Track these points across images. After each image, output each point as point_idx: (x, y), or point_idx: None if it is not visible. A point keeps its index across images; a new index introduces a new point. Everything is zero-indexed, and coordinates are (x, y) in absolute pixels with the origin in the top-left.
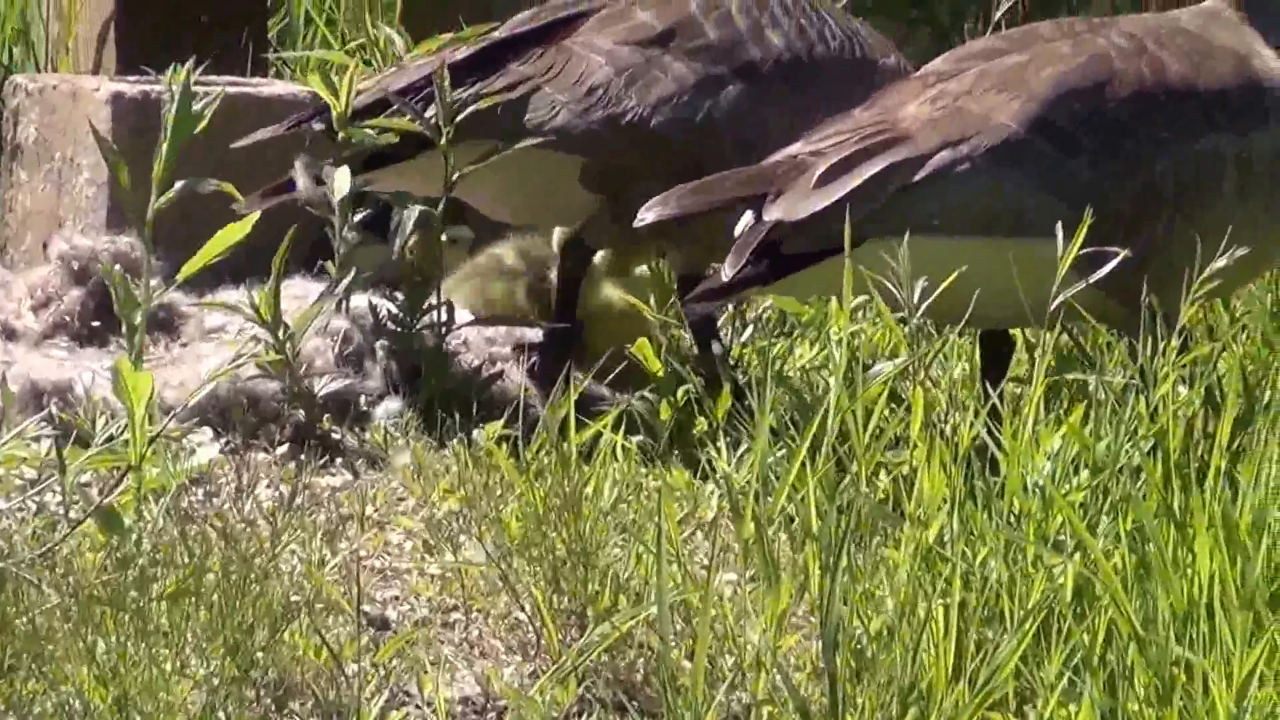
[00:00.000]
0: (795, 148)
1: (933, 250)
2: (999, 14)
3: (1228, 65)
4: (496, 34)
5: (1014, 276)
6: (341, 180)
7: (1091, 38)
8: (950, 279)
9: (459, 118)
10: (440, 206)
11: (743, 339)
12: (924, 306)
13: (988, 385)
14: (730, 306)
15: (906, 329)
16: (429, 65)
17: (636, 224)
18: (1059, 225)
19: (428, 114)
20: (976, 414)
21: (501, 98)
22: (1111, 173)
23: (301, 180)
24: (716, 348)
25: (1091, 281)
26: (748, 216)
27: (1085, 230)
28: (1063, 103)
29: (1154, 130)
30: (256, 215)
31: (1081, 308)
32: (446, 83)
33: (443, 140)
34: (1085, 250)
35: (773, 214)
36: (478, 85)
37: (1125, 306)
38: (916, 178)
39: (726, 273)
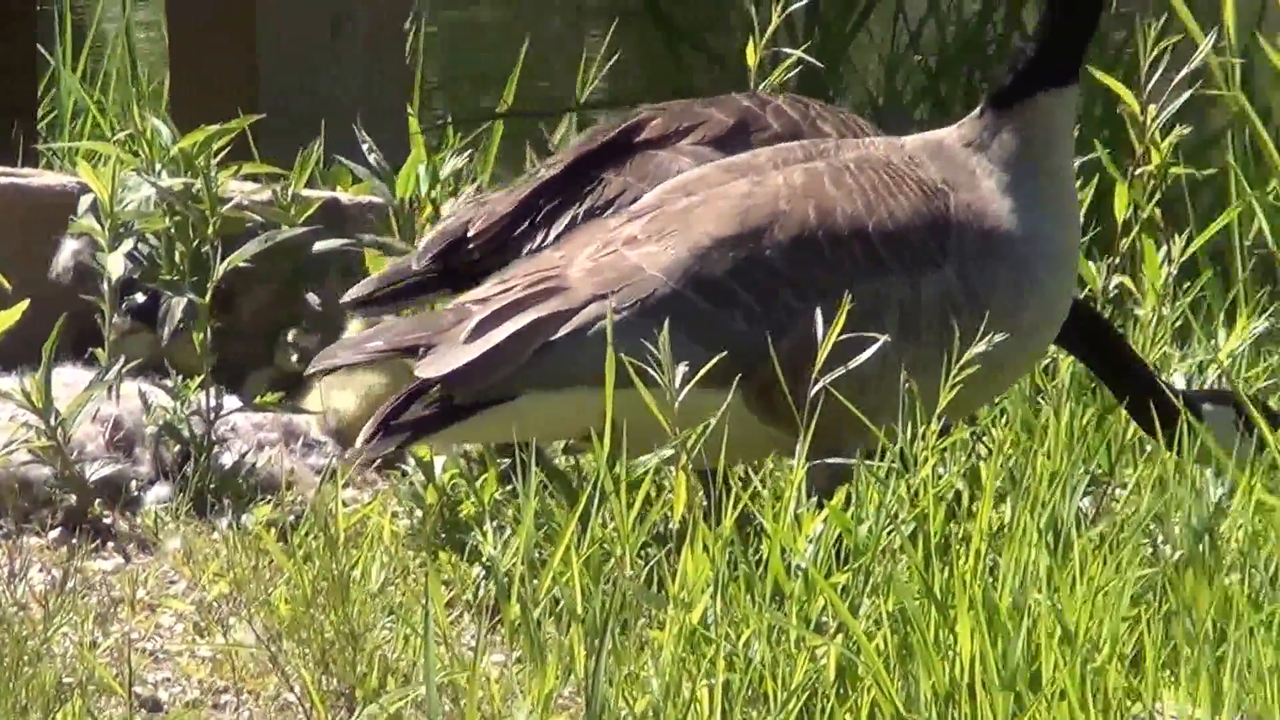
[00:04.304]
0: (479, 291)
1: (587, 400)
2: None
3: (912, 204)
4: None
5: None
6: (113, 266)
7: (768, 175)
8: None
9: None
10: (208, 296)
11: None
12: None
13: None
14: None
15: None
16: (510, 201)
17: (308, 372)
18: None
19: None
20: (738, 499)
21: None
22: (768, 322)
23: (62, 261)
24: None
25: (760, 420)
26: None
27: (749, 375)
28: (716, 252)
29: (813, 276)
30: (25, 304)
31: (757, 441)
32: None
33: None
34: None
35: (420, 371)
36: (587, 200)
37: (793, 436)
38: (561, 333)
39: (368, 430)
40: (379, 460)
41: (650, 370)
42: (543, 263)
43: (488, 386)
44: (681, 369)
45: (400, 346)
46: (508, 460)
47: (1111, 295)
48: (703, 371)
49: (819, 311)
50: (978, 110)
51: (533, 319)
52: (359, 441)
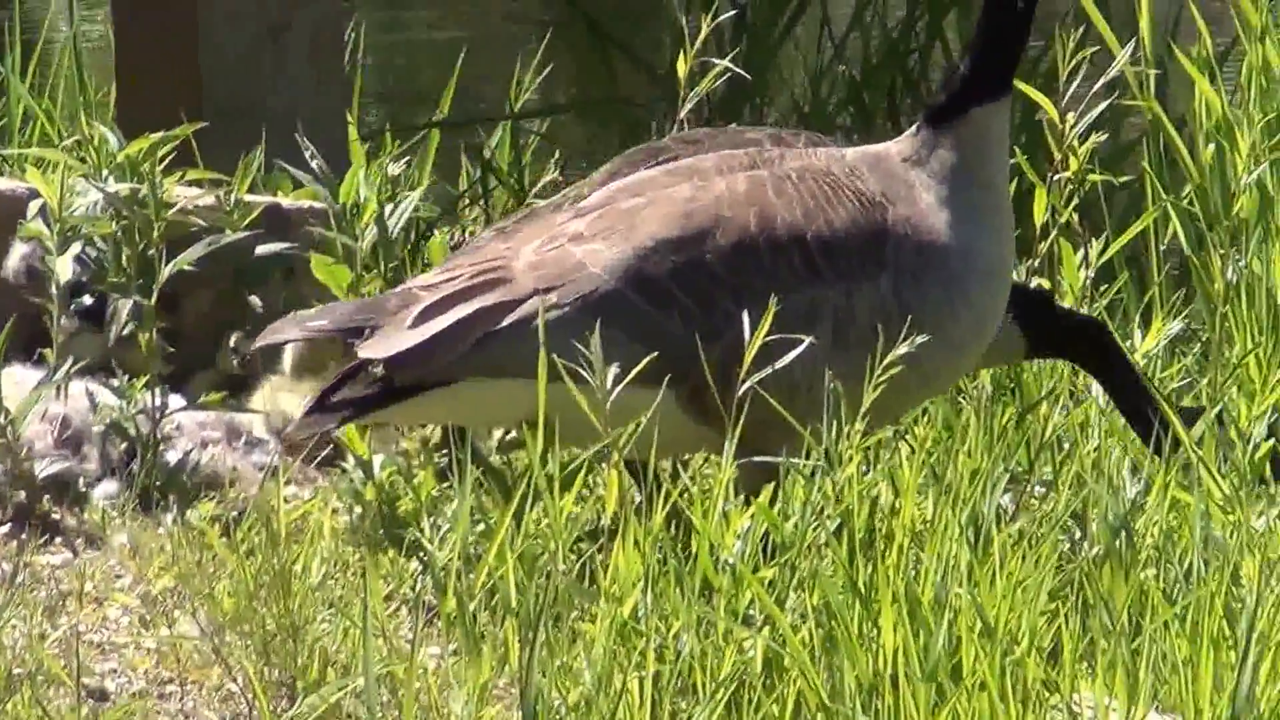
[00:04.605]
0: (425, 277)
1: (525, 390)
2: (685, 109)
3: (850, 215)
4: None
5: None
6: (62, 269)
7: (712, 181)
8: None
9: None
10: (153, 298)
11: None
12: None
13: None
14: None
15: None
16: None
17: (255, 345)
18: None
19: None
20: (669, 496)
21: None
22: (705, 325)
23: (11, 264)
24: None
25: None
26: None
27: (682, 375)
28: (659, 254)
29: (751, 283)
30: None
31: (688, 439)
32: None
33: None
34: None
35: (363, 350)
36: None
37: (723, 437)
38: (503, 323)
39: (306, 406)
40: (319, 458)
41: (587, 366)
42: (489, 254)
43: (429, 371)
44: (615, 368)
45: (345, 327)
46: (444, 458)
47: None
48: (636, 370)
49: (754, 317)
50: (914, 126)
51: (477, 308)
52: (298, 415)
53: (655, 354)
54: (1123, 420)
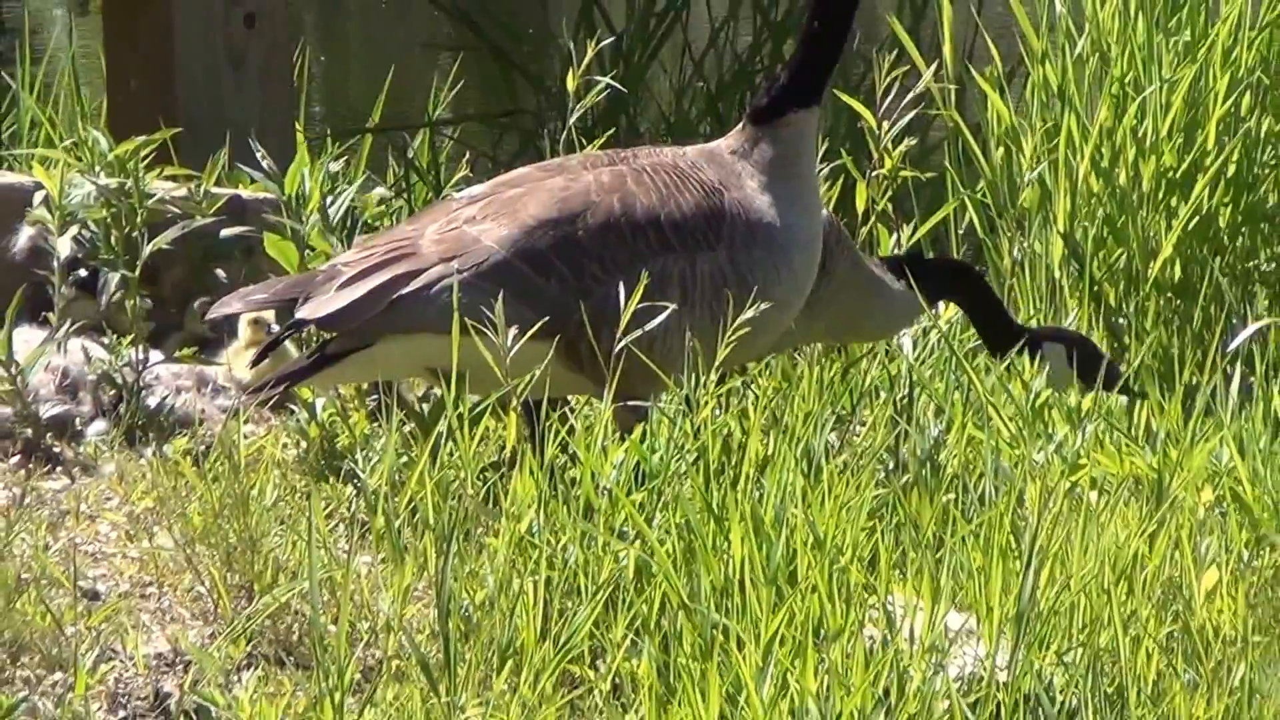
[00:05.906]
0: (346, 256)
1: (438, 344)
2: (573, 119)
3: (694, 200)
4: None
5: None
6: (62, 247)
7: (581, 174)
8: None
9: None
10: (137, 271)
11: None
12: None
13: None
14: None
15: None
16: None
17: (207, 317)
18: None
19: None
20: (558, 434)
21: None
22: (576, 289)
23: (20, 244)
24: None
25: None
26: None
27: (559, 330)
28: (540, 231)
29: (615, 254)
30: None
31: (567, 383)
32: None
33: None
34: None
35: (299, 314)
36: None
37: (596, 384)
38: (409, 288)
39: (254, 356)
40: (272, 401)
41: (484, 322)
42: (398, 234)
43: (352, 330)
44: (514, 329)
45: (282, 297)
46: (375, 402)
47: None
48: (530, 332)
49: (616, 281)
50: (740, 125)
51: (389, 277)
52: (248, 371)
53: (537, 311)
54: (929, 372)
